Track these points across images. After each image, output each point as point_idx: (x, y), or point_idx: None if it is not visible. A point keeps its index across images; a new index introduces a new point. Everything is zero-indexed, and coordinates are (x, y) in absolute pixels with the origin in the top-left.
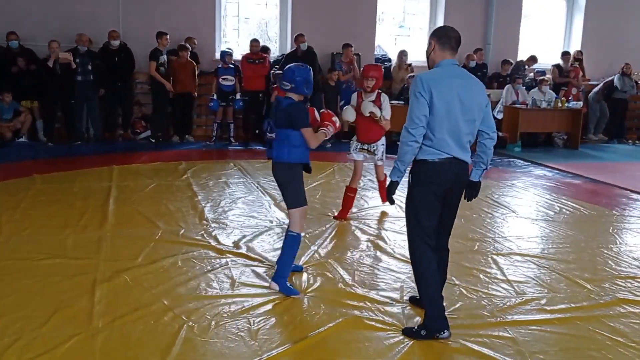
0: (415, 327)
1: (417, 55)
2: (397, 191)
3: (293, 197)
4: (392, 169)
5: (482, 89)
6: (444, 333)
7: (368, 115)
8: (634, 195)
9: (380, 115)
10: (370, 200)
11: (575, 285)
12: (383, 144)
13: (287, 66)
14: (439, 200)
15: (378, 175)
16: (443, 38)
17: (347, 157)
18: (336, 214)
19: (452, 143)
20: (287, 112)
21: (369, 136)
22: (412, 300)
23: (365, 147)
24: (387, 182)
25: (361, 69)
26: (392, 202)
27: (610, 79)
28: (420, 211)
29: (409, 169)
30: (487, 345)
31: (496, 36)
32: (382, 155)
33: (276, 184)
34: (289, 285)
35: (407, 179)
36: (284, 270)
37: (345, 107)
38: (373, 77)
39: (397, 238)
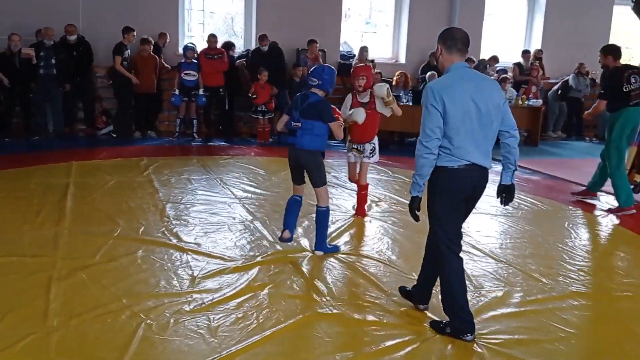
0: (442, 323)
1: (383, 52)
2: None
3: (320, 177)
4: (411, 184)
5: (497, 89)
6: (468, 336)
7: (387, 97)
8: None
9: (391, 97)
10: (335, 197)
11: (531, 279)
12: (372, 143)
13: (317, 65)
14: (461, 205)
15: (360, 179)
16: (449, 41)
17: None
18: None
19: (471, 149)
20: (316, 106)
21: (362, 137)
22: (402, 291)
23: (355, 146)
24: (410, 198)
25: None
26: (417, 219)
27: (566, 78)
28: (442, 218)
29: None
30: (444, 338)
31: None
32: (370, 154)
33: (235, 178)
34: (329, 246)
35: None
36: (322, 238)
37: (354, 110)
38: (364, 76)
39: (359, 236)
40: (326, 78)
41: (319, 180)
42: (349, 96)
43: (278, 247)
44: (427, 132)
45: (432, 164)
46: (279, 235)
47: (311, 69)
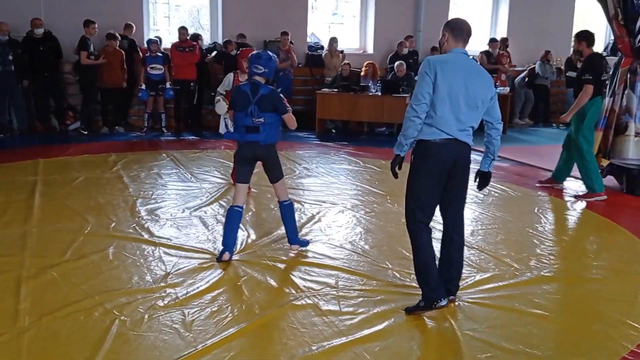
0: (417, 302)
1: (350, 43)
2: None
3: (279, 170)
4: (396, 143)
5: (489, 82)
6: (441, 301)
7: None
8: None
9: None
10: (307, 189)
11: (502, 264)
12: None
13: (258, 51)
14: (440, 181)
15: None
16: (456, 30)
17: None
18: None
19: (453, 124)
20: (270, 98)
21: None
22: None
23: None
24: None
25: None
26: (395, 175)
27: (532, 66)
28: (417, 189)
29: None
30: (419, 327)
31: (426, 23)
32: None
33: (206, 172)
34: (301, 239)
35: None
36: (293, 232)
37: (217, 100)
38: None
39: (332, 225)
40: (272, 66)
41: (280, 173)
42: (231, 75)
43: (251, 238)
44: (418, 96)
45: (418, 127)
46: (217, 256)
47: (253, 55)
